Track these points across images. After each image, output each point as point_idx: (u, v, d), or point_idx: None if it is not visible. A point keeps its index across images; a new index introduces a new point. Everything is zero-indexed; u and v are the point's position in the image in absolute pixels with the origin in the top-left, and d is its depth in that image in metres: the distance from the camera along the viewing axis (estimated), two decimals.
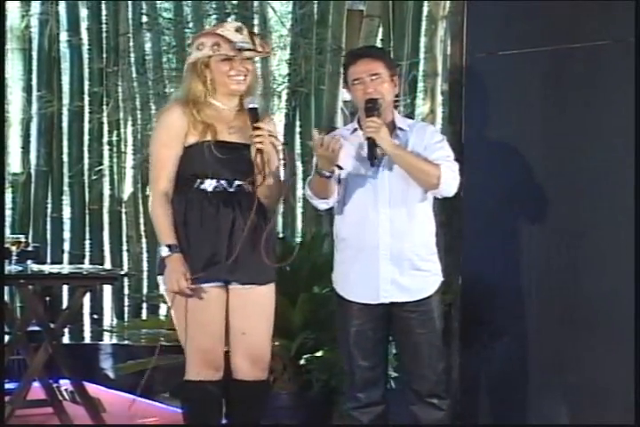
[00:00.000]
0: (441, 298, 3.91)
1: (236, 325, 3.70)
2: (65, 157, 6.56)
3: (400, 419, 3.95)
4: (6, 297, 6.05)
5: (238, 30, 3.70)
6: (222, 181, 3.66)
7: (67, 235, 6.58)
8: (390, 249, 3.81)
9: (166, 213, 3.63)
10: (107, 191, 6.56)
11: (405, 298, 3.82)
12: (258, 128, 3.62)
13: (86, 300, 6.14)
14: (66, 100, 6.54)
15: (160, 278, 3.70)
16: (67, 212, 6.58)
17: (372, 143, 3.75)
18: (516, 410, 4.47)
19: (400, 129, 3.86)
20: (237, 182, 3.66)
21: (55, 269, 5.52)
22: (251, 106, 3.67)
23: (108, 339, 6.51)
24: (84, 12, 6.53)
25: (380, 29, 6.24)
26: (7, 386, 5.26)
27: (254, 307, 3.69)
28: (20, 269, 5.11)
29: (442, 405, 3.85)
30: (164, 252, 3.61)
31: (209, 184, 3.66)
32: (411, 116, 5.55)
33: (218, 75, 3.67)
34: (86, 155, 6.54)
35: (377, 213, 3.81)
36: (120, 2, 6.44)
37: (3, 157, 6.17)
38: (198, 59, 3.67)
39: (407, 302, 3.82)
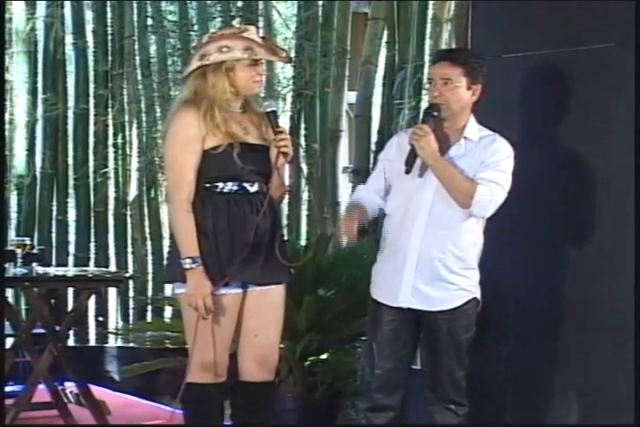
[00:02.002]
0: (471, 313, 3.83)
1: (249, 326, 3.70)
2: (70, 160, 6.57)
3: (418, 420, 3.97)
4: (11, 299, 6.06)
5: (258, 34, 3.72)
6: (245, 183, 3.65)
7: (72, 237, 6.58)
8: (418, 256, 3.76)
9: (190, 223, 3.58)
10: (112, 194, 6.57)
11: (424, 306, 3.79)
12: (281, 132, 3.64)
13: (91, 302, 6.15)
14: (71, 103, 6.55)
15: (170, 286, 3.71)
16: (72, 214, 6.59)
17: (412, 150, 3.72)
18: (521, 413, 4.47)
19: (466, 138, 3.79)
20: (257, 184, 3.67)
21: (60, 271, 5.53)
22: (269, 109, 3.67)
23: (113, 341, 6.52)
24: (89, 15, 6.54)
25: (385, 32, 6.25)
26: (12, 389, 5.28)
27: (269, 308, 3.70)
28: (26, 271, 5.12)
29: (459, 411, 3.84)
30: (187, 264, 3.56)
31: (232, 186, 3.64)
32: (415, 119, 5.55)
33: (243, 79, 3.64)
34: (91, 157, 6.55)
35: (414, 219, 3.77)
36: (125, 4, 6.45)
37: (3, 160, 6.18)
38: (224, 62, 3.61)
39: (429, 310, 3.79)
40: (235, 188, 3.64)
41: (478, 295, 3.86)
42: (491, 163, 3.74)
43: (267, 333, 3.70)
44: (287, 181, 3.84)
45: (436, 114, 3.74)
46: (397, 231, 3.82)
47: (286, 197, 3.91)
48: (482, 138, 3.81)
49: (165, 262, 3.77)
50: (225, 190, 3.64)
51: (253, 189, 3.66)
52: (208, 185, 3.64)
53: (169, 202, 3.70)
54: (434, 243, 3.75)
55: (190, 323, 3.61)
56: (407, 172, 3.74)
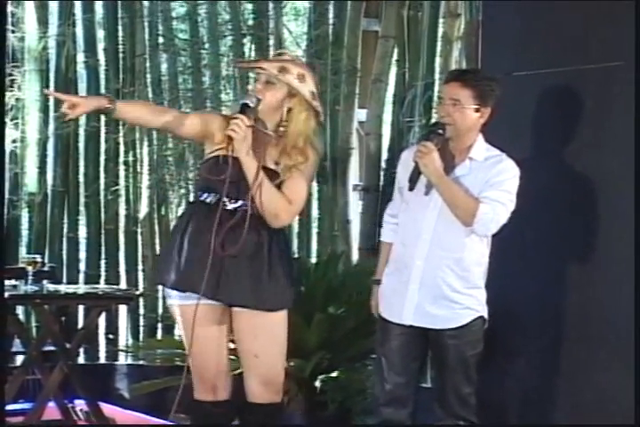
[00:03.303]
0: (476, 331, 3.82)
1: (245, 348, 3.67)
2: (81, 178, 6.58)
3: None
4: (22, 317, 6.07)
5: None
6: (224, 197, 3.59)
7: (82, 255, 6.59)
8: (421, 275, 3.77)
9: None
10: (122, 211, 6.58)
11: (428, 324, 3.80)
12: (236, 118, 3.56)
13: (102, 320, 6.14)
14: (82, 121, 6.57)
15: (169, 300, 3.69)
16: (82, 232, 6.59)
17: (415, 167, 3.72)
18: None
19: (471, 159, 3.79)
20: (240, 201, 3.60)
21: (71, 289, 5.53)
22: (242, 101, 3.63)
23: (123, 359, 6.51)
24: (100, 34, 6.57)
25: (396, 50, 6.27)
26: (22, 406, 5.27)
27: (262, 330, 3.64)
28: (36, 288, 5.13)
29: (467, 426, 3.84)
30: None
31: (212, 198, 3.61)
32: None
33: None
34: (102, 175, 6.56)
35: (418, 237, 3.78)
36: (136, 23, 6.48)
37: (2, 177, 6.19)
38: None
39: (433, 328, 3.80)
40: (215, 199, 3.61)
41: (484, 314, 3.85)
42: (495, 182, 3.73)
43: (267, 354, 3.66)
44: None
45: (440, 132, 3.74)
46: (403, 248, 3.84)
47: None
48: (488, 158, 3.80)
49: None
50: (207, 200, 3.62)
51: (232, 205, 3.60)
52: (197, 191, 3.70)
53: None
54: (437, 262, 3.76)
55: (183, 335, 3.65)
56: (411, 189, 3.76)
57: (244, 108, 3.58)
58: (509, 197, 3.75)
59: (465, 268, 3.77)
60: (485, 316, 3.85)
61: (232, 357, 3.75)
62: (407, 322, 3.80)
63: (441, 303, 3.77)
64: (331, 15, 6.40)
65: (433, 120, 5.84)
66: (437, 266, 3.76)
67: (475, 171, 3.77)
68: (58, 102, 6.50)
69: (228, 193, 3.58)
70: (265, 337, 3.65)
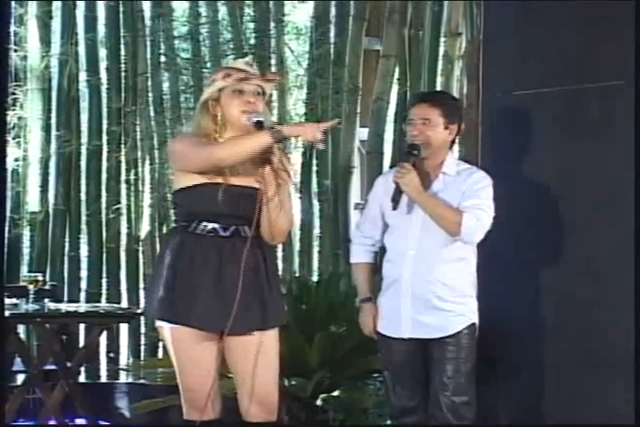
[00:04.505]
0: (470, 338, 3.95)
1: (238, 369, 3.61)
2: (83, 196, 6.58)
3: None
4: (23, 335, 6.06)
5: (247, 63, 3.66)
6: (217, 225, 3.51)
7: (84, 273, 6.58)
8: (411, 289, 3.94)
9: None
10: (124, 230, 6.58)
11: (424, 335, 3.95)
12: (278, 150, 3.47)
13: (103, 338, 6.14)
14: (84, 140, 6.58)
15: (158, 322, 3.60)
16: (84, 250, 6.59)
17: (396, 187, 3.91)
18: None
19: (444, 173, 3.98)
20: (234, 227, 3.52)
21: (72, 307, 5.54)
22: (255, 119, 3.49)
23: (124, 378, 6.50)
24: (102, 53, 6.59)
25: (397, 69, 6.29)
26: (23, 425, 5.26)
27: (254, 349, 3.57)
28: (37, 307, 5.13)
29: None
30: None
31: (204, 227, 3.52)
32: None
33: (229, 108, 3.54)
34: (104, 193, 6.56)
35: (404, 254, 3.96)
36: (138, 42, 6.50)
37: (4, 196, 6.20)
38: (210, 94, 3.55)
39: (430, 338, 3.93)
40: (208, 228, 3.52)
41: (476, 321, 4.00)
42: (471, 192, 3.93)
43: (259, 374, 3.59)
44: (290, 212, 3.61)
45: (416, 153, 3.95)
46: (392, 265, 4.02)
47: (290, 232, 3.70)
48: (459, 172, 4.00)
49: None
50: (197, 231, 3.52)
51: (226, 233, 3.52)
52: (181, 222, 3.57)
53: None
54: (424, 275, 3.93)
55: (172, 357, 3.60)
56: (394, 208, 3.94)
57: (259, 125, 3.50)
58: (487, 203, 3.94)
59: (452, 277, 3.94)
60: (477, 323, 4.00)
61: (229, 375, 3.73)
62: (405, 335, 3.96)
63: (433, 313, 3.93)
64: (332, 34, 6.44)
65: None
66: (425, 279, 3.92)
67: (449, 185, 3.97)
68: (59, 121, 6.54)
69: (222, 222, 3.51)
70: (257, 356, 3.60)
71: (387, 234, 4.05)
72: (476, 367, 3.95)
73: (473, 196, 3.91)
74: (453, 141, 4.05)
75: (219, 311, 3.48)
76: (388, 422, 4.13)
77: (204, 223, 3.53)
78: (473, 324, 3.98)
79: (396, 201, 3.92)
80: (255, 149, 3.43)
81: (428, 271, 3.92)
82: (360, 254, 4.14)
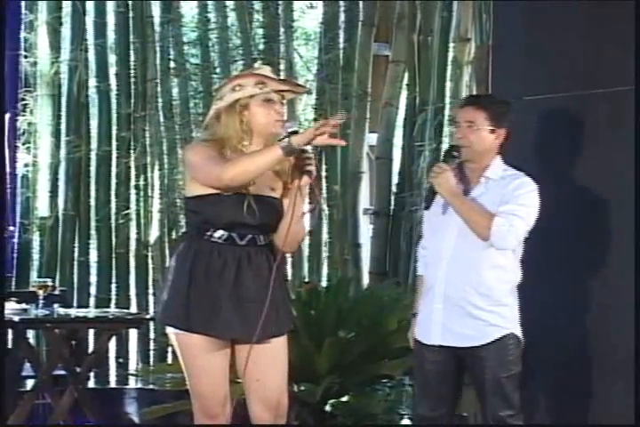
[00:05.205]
0: (507, 349, 3.78)
1: (248, 375, 3.59)
2: (92, 201, 6.59)
3: None
4: (32, 341, 6.07)
5: (272, 71, 3.62)
6: (234, 233, 3.50)
7: (93, 279, 6.59)
8: (444, 294, 3.81)
9: None
10: (133, 235, 6.59)
11: (455, 343, 3.80)
12: (304, 151, 3.44)
13: (112, 344, 6.14)
14: (94, 145, 6.60)
15: (169, 329, 3.61)
16: (93, 255, 6.60)
17: (430, 187, 3.84)
18: None
19: (487, 178, 3.86)
20: (250, 235, 3.52)
21: (81, 312, 5.54)
22: (290, 130, 3.45)
23: (133, 383, 6.50)
24: (112, 58, 6.61)
25: (406, 74, 6.29)
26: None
27: (263, 354, 3.57)
28: (47, 312, 5.13)
29: None
30: None
31: (221, 235, 3.50)
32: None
33: (259, 116, 3.50)
34: (113, 199, 6.58)
35: (440, 257, 3.84)
36: (148, 48, 6.52)
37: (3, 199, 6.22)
38: (238, 99, 3.48)
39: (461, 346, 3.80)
40: (222, 237, 3.50)
41: (516, 331, 3.82)
42: (511, 197, 3.79)
43: (268, 377, 3.59)
44: (307, 222, 3.63)
45: (456, 154, 3.84)
46: (429, 268, 3.91)
47: (305, 239, 3.71)
48: (504, 177, 3.87)
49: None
50: (212, 239, 3.50)
51: (243, 241, 3.51)
52: (195, 229, 3.54)
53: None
54: (458, 281, 3.78)
55: (183, 363, 3.57)
56: (426, 208, 3.88)
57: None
58: (526, 210, 3.79)
59: (488, 286, 3.79)
60: (517, 333, 3.82)
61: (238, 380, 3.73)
62: (436, 342, 3.82)
63: (465, 321, 3.79)
64: (341, 40, 6.44)
65: (444, 144, 5.86)
66: (459, 285, 3.78)
67: (491, 189, 3.84)
68: (69, 127, 6.55)
69: (239, 230, 3.50)
70: (266, 360, 3.60)
71: (425, 236, 3.97)
72: (518, 379, 3.79)
73: (511, 201, 3.77)
74: (502, 146, 3.90)
75: (238, 320, 3.48)
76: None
77: (221, 231, 3.51)
78: (511, 334, 3.79)
79: (428, 200, 3.85)
80: (268, 165, 3.42)
81: (463, 277, 3.77)
82: (420, 267, 4.03)
